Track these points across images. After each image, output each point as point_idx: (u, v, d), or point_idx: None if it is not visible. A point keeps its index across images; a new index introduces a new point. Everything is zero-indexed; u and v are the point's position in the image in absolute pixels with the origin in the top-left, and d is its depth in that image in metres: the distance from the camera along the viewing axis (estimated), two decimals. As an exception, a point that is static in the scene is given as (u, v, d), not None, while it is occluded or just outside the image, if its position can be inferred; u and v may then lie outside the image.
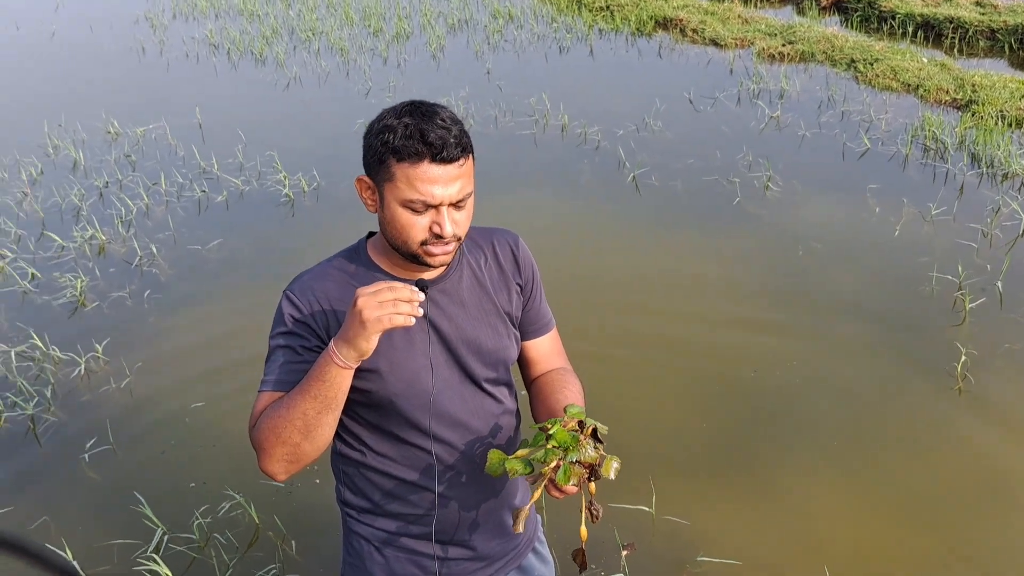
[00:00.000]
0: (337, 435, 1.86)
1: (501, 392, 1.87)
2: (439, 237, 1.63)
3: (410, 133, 1.58)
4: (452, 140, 1.59)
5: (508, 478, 1.90)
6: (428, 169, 1.58)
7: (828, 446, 3.76)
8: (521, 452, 1.65)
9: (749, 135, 7.27)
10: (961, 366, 4.14)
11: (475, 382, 1.81)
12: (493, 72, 9.42)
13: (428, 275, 1.75)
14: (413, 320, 1.50)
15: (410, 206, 1.61)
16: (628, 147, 7.03)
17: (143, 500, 3.45)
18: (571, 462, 1.59)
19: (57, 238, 5.83)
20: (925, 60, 8.77)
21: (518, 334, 1.90)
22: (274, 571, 3.23)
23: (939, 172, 6.39)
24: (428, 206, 1.61)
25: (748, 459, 3.72)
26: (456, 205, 1.64)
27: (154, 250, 5.65)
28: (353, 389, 1.69)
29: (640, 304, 4.87)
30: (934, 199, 5.83)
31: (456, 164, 1.61)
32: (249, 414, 1.69)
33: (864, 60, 8.87)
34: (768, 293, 4.95)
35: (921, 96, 7.95)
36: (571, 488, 1.59)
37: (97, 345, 4.57)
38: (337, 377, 1.55)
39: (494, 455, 1.68)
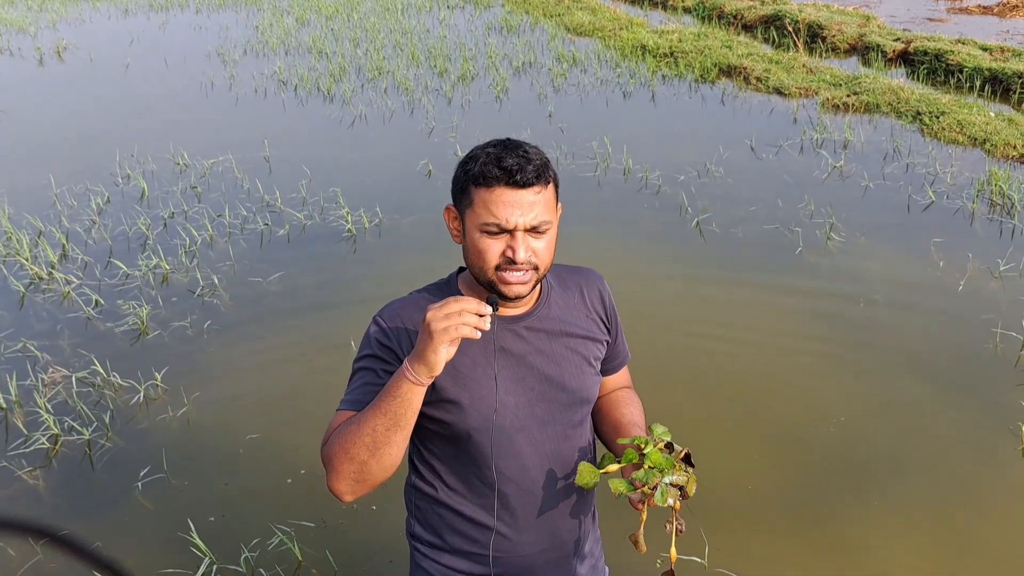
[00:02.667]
0: (412, 467, 1.87)
1: (579, 434, 1.86)
2: (512, 263, 1.64)
3: (489, 160, 1.64)
4: (530, 168, 1.63)
5: (586, 520, 1.92)
6: (502, 193, 1.63)
7: (893, 504, 3.64)
8: (611, 467, 1.70)
9: (812, 184, 7.19)
10: (1027, 427, 4.01)
11: (556, 421, 1.80)
12: (555, 115, 9.48)
13: (515, 310, 1.77)
14: (479, 333, 1.53)
15: (485, 230, 1.65)
16: (689, 192, 7.00)
17: (193, 529, 3.47)
18: (667, 483, 1.64)
19: (123, 266, 5.97)
20: (992, 114, 8.61)
21: (599, 375, 1.90)
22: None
23: (1006, 228, 6.24)
24: (502, 230, 1.64)
25: (808, 515, 3.62)
26: (533, 233, 1.66)
27: (216, 281, 5.75)
28: (433, 420, 1.73)
29: (700, 350, 4.82)
30: (1000, 254, 5.69)
31: (531, 190, 1.64)
32: (320, 439, 1.72)
33: (930, 113, 8.74)
34: (828, 345, 4.85)
35: (988, 150, 7.80)
36: (656, 504, 1.64)
37: (156, 373, 4.65)
38: (408, 393, 1.57)
39: (585, 468, 1.72)
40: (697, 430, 4.09)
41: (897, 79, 10.29)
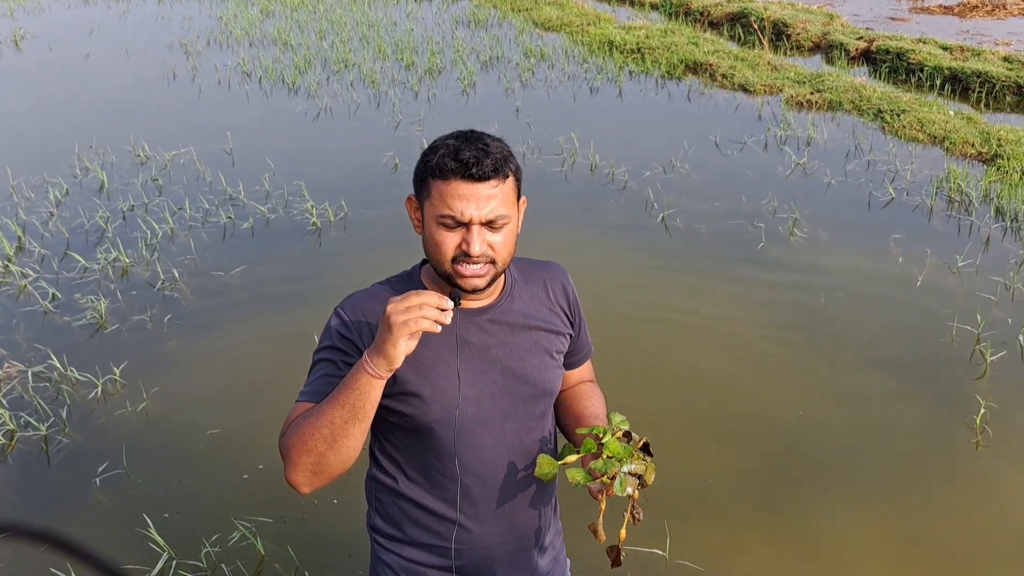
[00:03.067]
0: (373, 459, 1.86)
1: (540, 426, 1.85)
2: (468, 256, 1.63)
3: (447, 152, 1.63)
4: (487, 161, 1.62)
5: (546, 512, 1.93)
6: (458, 186, 1.62)
7: (850, 495, 3.69)
8: (570, 458, 1.70)
9: (775, 181, 7.25)
10: (980, 419, 4.07)
11: (518, 414, 1.80)
12: (523, 110, 9.47)
13: (478, 303, 1.77)
14: (439, 328, 1.52)
15: (442, 222, 1.64)
16: (655, 188, 7.02)
17: (151, 525, 3.43)
18: (626, 472, 1.65)
19: (81, 259, 5.88)
20: (952, 113, 8.74)
21: (562, 368, 1.91)
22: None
23: (963, 224, 6.33)
24: (458, 223, 1.63)
25: (767, 506, 3.65)
26: (490, 228, 1.65)
27: (176, 275, 5.68)
28: (395, 413, 1.73)
29: (661, 344, 4.84)
30: (958, 250, 5.78)
31: (487, 184, 1.63)
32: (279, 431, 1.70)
33: (891, 111, 8.85)
34: (789, 339, 4.90)
35: (947, 148, 7.91)
36: (614, 494, 1.65)
37: (115, 368, 4.58)
38: (367, 386, 1.55)
39: (544, 459, 1.73)
40: (658, 422, 4.11)
41: (860, 77, 10.40)
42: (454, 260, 1.65)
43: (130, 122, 9.12)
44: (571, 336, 1.93)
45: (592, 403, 1.93)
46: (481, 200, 1.62)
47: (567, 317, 1.91)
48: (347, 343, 1.72)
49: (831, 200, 6.86)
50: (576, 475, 1.67)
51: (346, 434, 1.58)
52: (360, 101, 9.96)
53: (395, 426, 1.76)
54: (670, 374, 4.58)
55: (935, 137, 8.15)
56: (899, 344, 4.83)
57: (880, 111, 8.94)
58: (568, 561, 2.12)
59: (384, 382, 1.57)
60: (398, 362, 1.53)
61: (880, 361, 4.66)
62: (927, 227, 6.35)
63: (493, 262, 1.67)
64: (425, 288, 1.77)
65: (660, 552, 3.33)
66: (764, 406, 4.30)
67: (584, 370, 2.04)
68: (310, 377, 1.74)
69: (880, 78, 10.69)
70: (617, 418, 1.75)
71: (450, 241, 1.65)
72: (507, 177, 1.67)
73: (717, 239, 6.19)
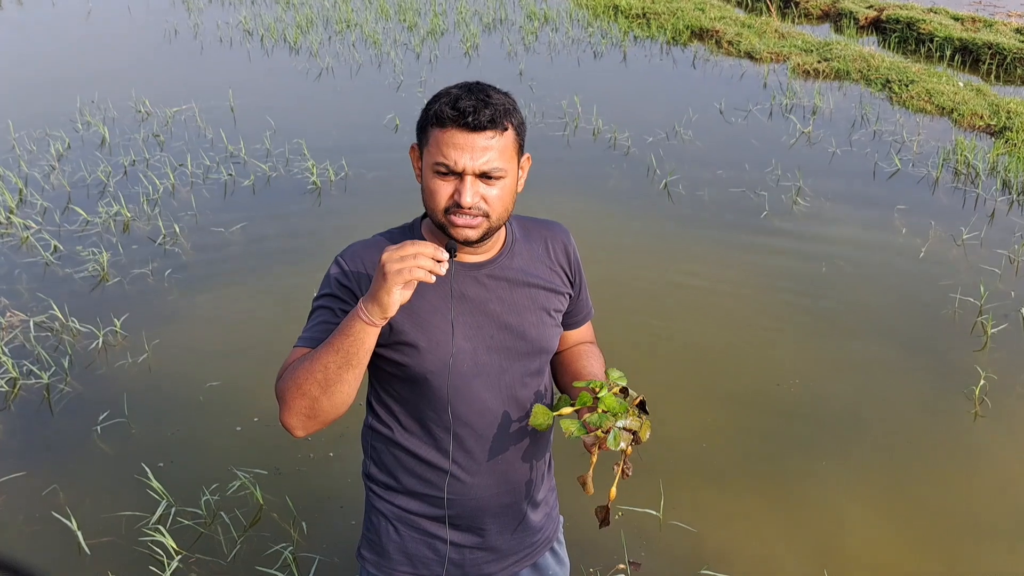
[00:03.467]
0: (370, 408, 1.87)
1: (536, 382, 1.85)
2: (460, 207, 1.63)
3: (447, 100, 1.62)
4: (486, 112, 1.60)
5: (539, 466, 1.93)
6: (454, 135, 1.61)
7: (846, 463, 3.71)
8: (565, 410, 1.69)
9: (779, 149, 7.22)
10: (979, 390, 4.08)
11: (513, 369, 1.80)
12: (525, 73, 9.41)
13: (476, 257, 1.77)
14: (433, 278, 1.51)
15: (436, 170, 1.63)
16: (658, 154, 6.99)
17: (150, 473, 3.45)
18: (620, 428, 1.64)
19: (82, 212, 5.86)
20: (961, 84, 8.68)
21: (560, 327, 1.90)
22: (283, 550, 3.21)
23: (969, 196, 6.31)
24: (452, 172, 1.62)
25: (763, 472, 3.67)
26: (484, 179, 1.64)
27: (177, 230, 5.67)
28: (391, 362, 1.73)
29: (662, 310, 4.85)
30: (963, 223, 5.77)
31: (484, 134, 1.61)
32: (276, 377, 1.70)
33: (899, 81, 8.79)
34: (789, 307, 4.90)
35: (955, 120, 7.87)
36: (608, 448, 1.64)
37: (116, 320, 4.58)
38: (361, 333, 1.56)
39: (539, 409, 1.72)
40: (656, 386, 4.10)
41: (868, 47, 10.32)
42: (447, 210, 1.64)
43: (132, 78, 9.05)
44: (570, 296, 1.92)
45: (590, 363, 1.92)
46: (476, 150, 1.61)
47: (567, 276, 1.91)
48: (345, 291, 1.72)
49: (835, 170, 6.84)
50: (570, 426, 1.66)
51: (339, 379, 1.58)
52: (362, 61, 9.88)
53: (391, 375, 1.77)
54: (669, 339, 4.58)
55: (943, 108, 8.11)
56: (900, 314, 4.84)
57: (888, 81, 8.88)
58: (561, 518, 2.13)
59: (378, 330, 1.57)
60: (392, 310, 1.52)
61: (880, 331, 4.67)
62: (932, 199, 6.33)
63: (487, 216, 1.65)
64: (424, 240, 1.76)
65: (654, 512, 3.35)
66: (762, 373, 4.31)
67: (584, 331, 2.03)
68: (308, 323, 1.75)
69: (889, 48, 10.61)
70: (615, 374, 1.75)
71: (443, 190, 1.63)
72: (506, 130, 1.64)
73: (719, 207, 6.17)
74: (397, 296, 1.51)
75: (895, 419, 4.00)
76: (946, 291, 4.98)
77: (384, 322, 1.56)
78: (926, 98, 8.33)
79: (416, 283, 1.53)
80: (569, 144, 7.38)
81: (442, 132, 1.61)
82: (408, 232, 1.81)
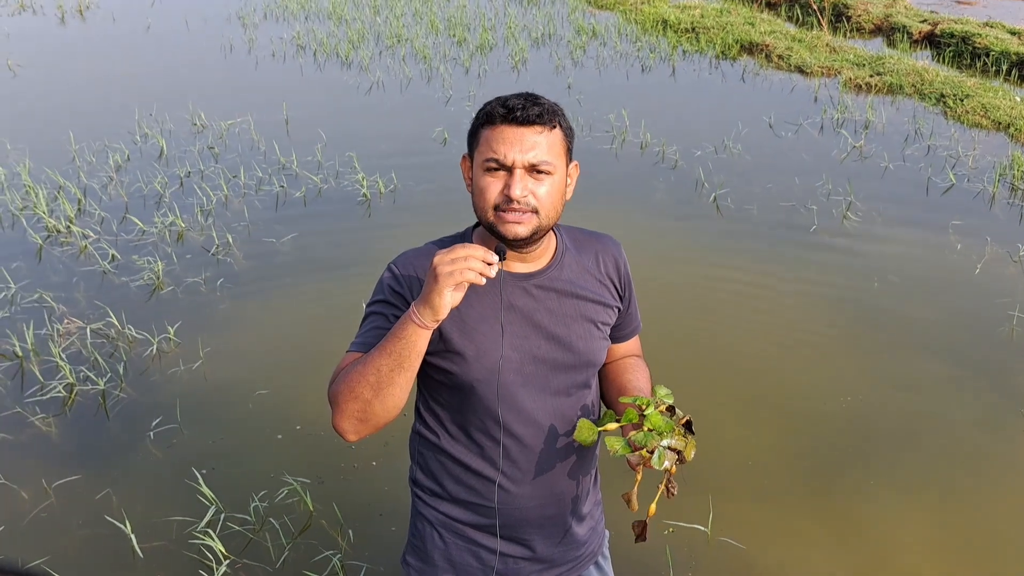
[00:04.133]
0: (418, 414, 1.89)
1: (582, 395, 1.86)
2: (511, 201, 1.65)
3: (497, 102, 1.68)
4: (534, 108, 1.65)
5: (585, 480, 1.92)
6: (503, 129, 1.66)
7: (899, 482, 3.65)
8: (610, 426, 1.69)
9: (830, 164, 7.14)
10: (1038, 411, 4.00)
11: (559, 380, 1.80)
12: (574, 87, 9.43)
13: (526, 267, 1.79)
14: (484, 280, 1.53)
15: (486, 166, 1.67)
16: (706, 168, 6.96)
17: (200, 479, 3.51)
18: (665, 447, 1.64)
19: (139, 222, 5.99)
20: (1018, 99, 8.52)
21: (608, 340, 1.91)
22: (332, 557, 3.24)
23: (1027, 213, 6.19)
24: (501, 166, 1.65)
25: (813, 489, 3.63)
26: (533, 174, 1.66)
27: (230, 240, 5.77)
28: (439, 370, 1.75)
29: (710, 324, 4.82)
30: (1020, 239, 5.65)
31: (532, 128, 1.65)
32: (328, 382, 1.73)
33: (954, 95, 8.65)
34: (840, 323, 4.84)
35: (1012, 135, 7.72)
36: (652, 467, 1.64)
37: (170, 327, 4.68)
38: (413, 336, 1.58)
39: (584, 424, 1.72)
40: (705, 403, 4.09)
41: (922, 61, 10.17)
42: (496, 207, 1.67)
43: (188, 92, 9.24)
44: (619, 310, 1.92)
45: (636, 376, 1.93)
46: (525, 143, 1.64)
47: (616, 290, 1.91)
48: (397, 297, 1.75)
49: (888, 184, 6.74)
50: (615, 444, 1.66)
51: (391, 382, 1.60)
52: (412, 76, 9.98)
53: (439, 383, 1.79)
54: (718, 355, 4.55)
55: (999, 123, 7.96)
56: (955, 332, 4.75)
57: (943, 95, 8.74)
58: (607, 533, 2.12)
59: (429, 333, 1.59)
60: (443, 313, 1.55)
61: (934, 348, 4.59)
62: (988, 214, 6.21)
63: (536, 212, 1.67)
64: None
65: (702, 528, 3.32)
66: (812, 390, 4.26)
67: (631, 345, 2.03)
68: (361, 328, 1.78)
69: (943, 62, 10.45)
70: (662, 391, 1.74)
71: (493, 186, 1.66)
72: (555, 127, 1.69)
73: (769, 221, 6.12)
74: (448, 298, 1.53)
75: (949, 438, 3.93)
76: (1003, 308, 4.88)
77: (436, 325, 1.58)
78: (981, 112, 8.19)
79: (467, 286, 1.55)
80: (617, 157, 7.38)
81: (492, 130, 1.66)
82: (460, 239, 1.83)
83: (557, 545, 1.91)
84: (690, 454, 1.66)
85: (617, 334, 1.96)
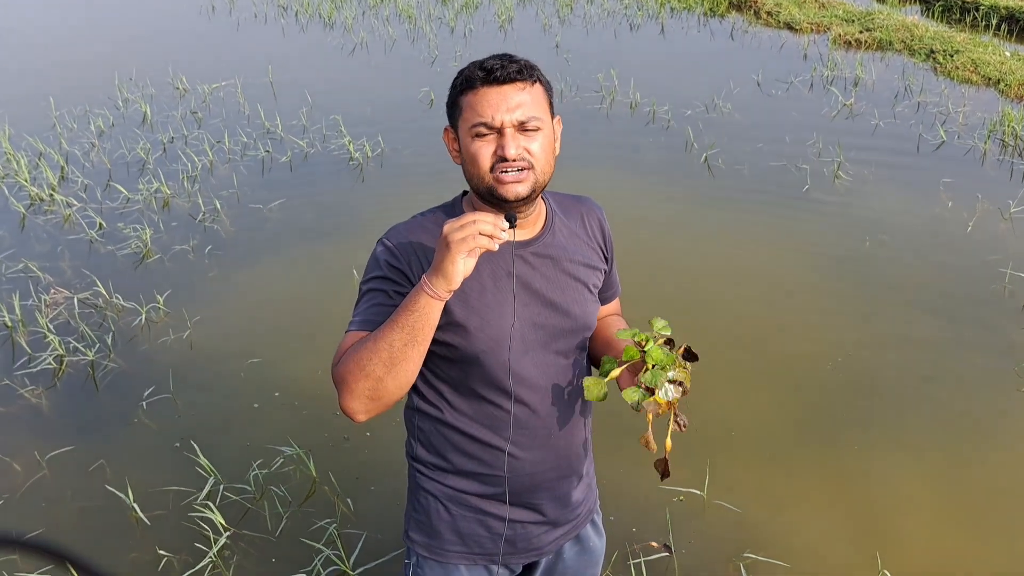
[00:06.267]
0: (415, 389, 1.86)
1: (580, 357, 1.85)
2: (505, 160, 1.62)
3: (473, 66, 1.65)
4: (512, 66, 1.63)
5: (584, 441, 1.93)
6: (486, 92, 1.63)
7: (896, 441, 3.65)
8: (614, 372, 1.68)
9: (820, 122, 7.10)
10: (1030, 367, 4.01)
11: (559, 345, 1.79)
12: (561, 46, 9.32)
13: (522, 235, 1.76)
14: (496, 245, 1.51)
15: (475, 132, 1.63)
16: (696, 128, 6.91)
17: (199, 450, 3.48)
18: (668, 380, 1.64)
19: (123, 190, 5.91)
20: (1008, 54, 8.48)
21: (598, 302, 1.90)
22: (328, 526, 3.23)
23: (1017, 169, 6.17)
24: (490, 128, 1.62)
25: (809, 450, 3.63)
26: (523, 131, 1.64)
27: (218, 206, 5.70)
28: (441, 344, 1.72)
29: (702, 285, 4.80)
30: (1011, 196, 5.64)
31: (514, 86, 1.63)
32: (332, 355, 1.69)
33: (944, 51, 8.60)
34: (833, 282, 4.83)
35: (1002, 91, 7.69)
36: (662, 401, 1.64)
37: (159, 296, 4.63)
38: (426, 307, 1.55)
39: (592, 382, 1.71)
40: (697, 365, 4.08)
41: (911, 16, 10.10)
42: (492, 169, 1.64)
43: (168, 55, 9.09)
44: (605, 272, 1.93)
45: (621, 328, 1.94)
46: (510, 102, 1.62)
47: (602, 252, 1.91)
48: (395, 272, 1.71)
49: (878, 142, 6.72)
50: (632, 396, 1.64)
51: (405, 357, 1.57)
52: (396, 36, 9.85)
53: (440, 357, 1.76)
54: (710, 316, 4.53)
55: (989, 79, 7.93)
56: (947, 290, 4.75)
57: (932, 51, 8.69)
58: (597, 490, 2.13)
59: (442, 304, 1.57)
60: (457, 281, 1.52)
61: (927, 307, 4.59)
62: (979, 171, 6.20)
63: (532, 168, 1.65)
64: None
65: (698, 492, 3.33)
66: (805, 350, 4.26)
67: (612, 307, 2.05)
68: (359, 307, 1.73)
69: (933, 17, 10.39)
70: (659, 323, 1.72)
71: (485, 151, 1.63)
72: (535, 82, 1.66)
73: (760, 181, 6.09)
74: (461, 266, 1.51)
75: (945, 395, 3.94)
76: (994, 265, 4.88)
77: (449, 295, 1.55)
78: (971, 68, 8.15)
79: (479, 253, 1.52)
80: (607, 117, 7.31)
81: (474, 94, 1.63)
82: (450, 209, 1.80)
83: (563, 506, 1.93)
84: (687, 382, 1.67)
85: (600, 296, 1.95)
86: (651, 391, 1.63)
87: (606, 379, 1.71)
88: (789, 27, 9.91)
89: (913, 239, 5.27)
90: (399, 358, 1.57)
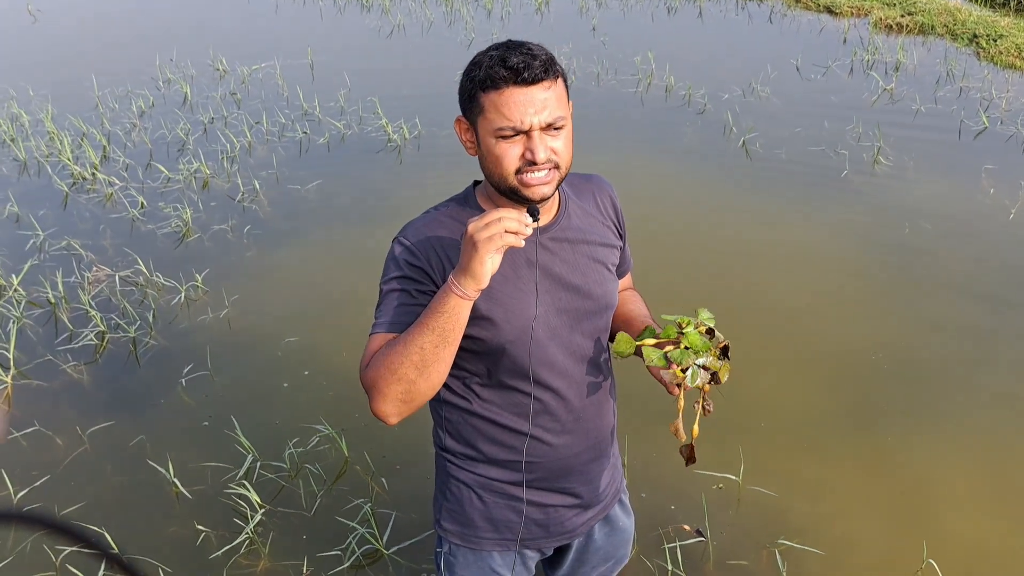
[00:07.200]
0: None
1: (604, 337, 1.87)
2: (533, 164, 1.60)
3: (494, 62, 1.58)
4: (536, 64, 1.57)
5: (611, 422, 1.96)
6: (513, 93, 1.57)
7: (939, 430, 3.62)
8: (648, 341, 1.69)
9: (860, 107, 7.01)
10: (1075, 359, 3.95)
11: (584, 328, 1.80)
12: (598, 29, 9.27)
13: (539, 220, 1.74)
14: (523, 241, 1.50)
15: (500, 134, 1.59)
16: (734, 112, 6.85)
17: (238, 427, 3.54)
18: (700, 365, 1.66)
19: (164, 169, 5.99)
20: (1055, 38, 8.30)
21: (617, 280, 1.91)
22: (363, 505, 3.27)
23: (1062, 157, 6.06)
24: (518, 131, 1.58)
25: (847, 437, 3.61)
26: (550, 131, 1.61)
27: (256, 186, 5.76)
28: (466, 337, 1.70)
29: (741, 271, 4.77)
30: (1056, 184, 5.55)
31: (541, 86, 1.58)
32: (360, 356, 1.69)
33: (987, 36, 8.44)
34: (872, 269, 4.78)
35: (1048, 76, 7.54)
36: (687, 386, 1.67)
37: (197, 275, 4.69)
38: (456, 308, 1.55)
39: (623, 337, 1.74)
40: (736, 350, 4.06)
41: (954, 0, 9.91)
42: (518, 172, 1.61)
43: (209, 36, 9.17)
44: (620, 248, 1.93)
45: (638, 306, 1.98)
46: (537, 104, 1.57)
47: (617, 229, 1.91)
48: (416, 271, 1.70)
49: (919, 128, 6.62)
50: (651, 354, 1.68)
51: (437, 359, 1.57)
52: (433, 19, 9.84)
53: (466, 350, 1.75)
54: (749, 301, 4.51)
55: (1034, 64, 7.77)
56: (989, 278, 4.68)
57: (975, 36, 8.53)
58: (622, 469, 2.15)
59: (471, 303, 1.56)
60: (486, 280, 1.52)
61: (967, 294, 4.53)
62: (1022, 158, 6.09)
63: (557, 167, 1.64)
64: (482, 209, 1.75)
65: (733, 477, 3.33)
66: (844, 335, 4.23)
67: (627, 281, 2.06)
68: (382, 308, 1.71)
69: (976, 1, 10.18)
70: (704, 314, 1.74)
71: (512, 153, 1.60)
72: (557, 77, 1.62)
73: (798, 166, 6.03)
74: (490, 265, 1.50)
75: (990, 386, 3.88)
76: (1037, 255, 4.81)
77: (478, 294, 1.55)
78: (1015, 53, 7.99)
79: (505, 249, 1.52)
80: (642, 101, 7.27)
81: (498, 94, 1.58)
82: (464, 202, 1.78)
83: (594, 489, 1.94)
84: (724, 375, 1.68)
85: (616, 272, 1.95)
86: (672, 364, 1.66)
87: (638, 342, 1.73)
88: (829, 11, 9.77)
89: (954, 226, 5.19)
90: (431, 360, 1.57)
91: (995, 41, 8.29)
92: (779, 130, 6.56)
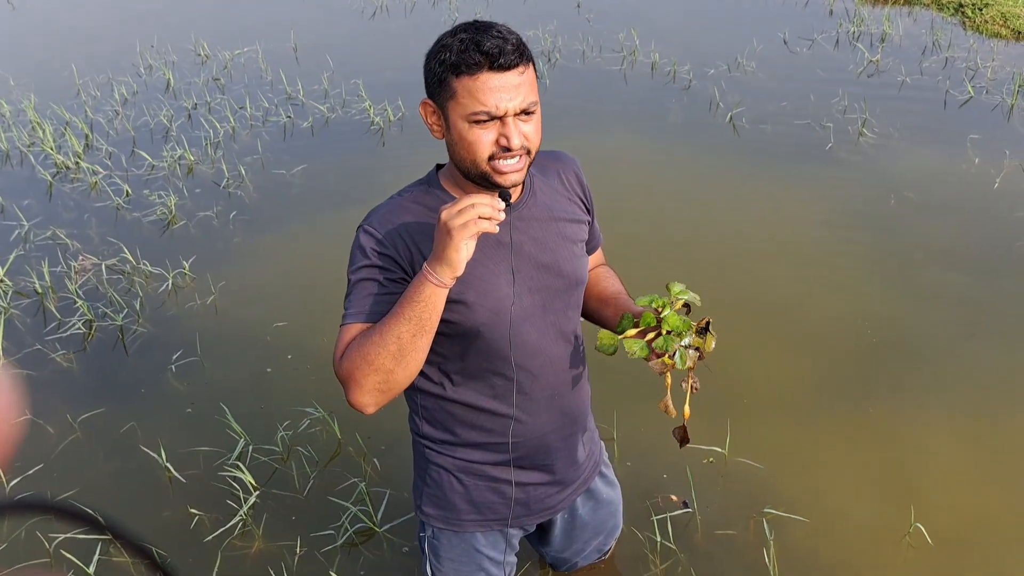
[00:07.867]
0: None
1: (577, 314, 1.88)
2: (507, 150, 1.59)
3: (466, 47, 1.56)
4: (510, 48, 1.56)
5: (586, 396, 1.99)
6: (488, 79, 1.56)
7: (924, 399, 3.64)
8: (630, 332, 1.70)
9: (846, 79, 7.00)
10: (1060, 326, 3.97)
11: (556, 306, 1.80)
12: (583, 5, 9.23)
13: None
14: (497, 227, 1.51)
15: (474, 119, 1.58)
16: (720, 87, 6.84)
17: (228, 412, 3.54)
18: (684, 346, 1.66)
19: (148, 157, 5.95)
20: (1039, 6, 8.30)
21: (586, 255, 1.92)
22: (358, 483, 3.28)
23: (1047, 125, 6.07)
24: (492, 117, 1.57)
25: (833, 409, 3.63)
26: (523, 116, 1.60)
27: (241, 172, 5.73)
28: (440, 321, 1.69)
29: (726, 247, 4.78)
30: (1041, 152, 5.56)
31: (516, 71, 1.57)
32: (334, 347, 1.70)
33: (973, 4, 8.43)
34: (858, 241, 4.80)
35: (1032, 44, 7.54)
36: (677, 369, 1.68)
37: (184, 262, 4.68)
38: (432, 296, 1.55)
39: (604, 333, 1.74)
40: (722, 324, 4.07)
41: (939, -30, 9.90)
42: (491, 158, 1.61)
43: (190, 21, 9.09)
44: (589, 223, 1.93)
45: (612, 283, 1.99)
46: (512, 90, 1.57)
47: (584, 204, 1.91)
48: (385, 259, 1.69)
49: (905, 99, 6.62)
50: (633, 346, 1.68)
51: (414, 347, 1.57)
52: (417, -1, 9.79)
53: (439, 334, 1.74)
54: (735, 276, 4.52)
55: (1019, 33, 7.77)
56: (974, 248, 4.70)
57: (961, 5, 8.52)
58: (602, 443, 2.18)
59: (447, 291, 1.56)
60: (461, 268, 1.52)
61: (953, 265, 4.55)
62: (1007, 127, 6.10)
63: (528, 152, 1.64)
64: (449, 195, 1.74)
65: (719, 450, 3.34)
66: (830, 307, 4.24)
67: (598, 256, 2.06)
68: (352, 298, 1.71)
69: (960, -29, 10.16)
70: (676, 288, 1.74)
71: (486, 139, 1.59)
72: (529, 61, 1.62)
73: (783, 139, 6.03)
74: (465, 252, 1.50)
75: (975, 354, 3.90)
76: (1023, 223, 4.82)
77: (454, 282, 1.55)
78: (1001, 22, 7.99)
79: (479, 236, 1.52)
80: (626, 79, 7.25)
81: (472, 80, 1.56)
82: (428, 188, 1.77)
83: (571, 464, 1.96)
84: (710, 346, 1.70)
85: (586, 247, 1.95)
86: (659, 355, 1.66)
87: (620, 337, 1.73)
88: (814, -17, 9.73)
89: (939, 196, 5.21)
90: (408, 349, 1.57)
91: (980, 10, 8.29)
92: (765, 104, 6.56)
